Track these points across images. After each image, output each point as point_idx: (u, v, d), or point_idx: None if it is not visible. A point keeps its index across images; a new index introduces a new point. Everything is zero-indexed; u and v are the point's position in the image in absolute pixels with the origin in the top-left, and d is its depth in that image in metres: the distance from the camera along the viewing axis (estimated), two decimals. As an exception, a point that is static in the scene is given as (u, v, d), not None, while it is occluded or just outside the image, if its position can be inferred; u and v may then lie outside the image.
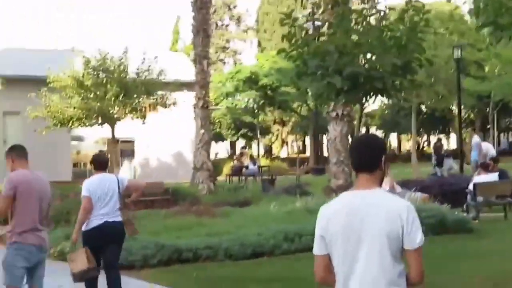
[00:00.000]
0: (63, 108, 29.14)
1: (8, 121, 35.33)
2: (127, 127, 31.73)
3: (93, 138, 38.25)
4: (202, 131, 27.04)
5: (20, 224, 7.63)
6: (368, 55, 17.74)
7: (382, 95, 18.38)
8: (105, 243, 9.33)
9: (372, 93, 17.79)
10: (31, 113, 29.97)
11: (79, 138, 38.73)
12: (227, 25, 73.32)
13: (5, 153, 8.02)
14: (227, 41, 72.27)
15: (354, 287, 3.88)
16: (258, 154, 52.40)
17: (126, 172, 38.82)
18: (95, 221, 9.25)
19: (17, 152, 7.96)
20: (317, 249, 4.05)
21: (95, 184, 9.35)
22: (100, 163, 9.68)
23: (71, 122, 30.05)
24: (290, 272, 12.05)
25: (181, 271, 12.49)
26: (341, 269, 3.93)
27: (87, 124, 30.54)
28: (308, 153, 63.23)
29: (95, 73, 29.13)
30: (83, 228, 9.29)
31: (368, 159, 4.01)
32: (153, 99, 30.51)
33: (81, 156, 41.72)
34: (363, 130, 58.84)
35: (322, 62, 17.04)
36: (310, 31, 19.02)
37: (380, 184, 4.03)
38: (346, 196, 4.04)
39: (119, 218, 9.45)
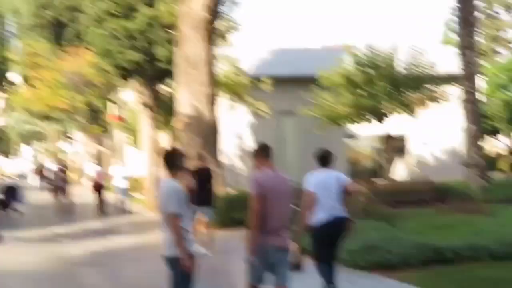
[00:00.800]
0: (335, 106, 29.46)
1: (282, 121, 36.36)
2: (399, 123, 31.37)
3: (366, 135, 38.30)
4: (471, 125, 26.03)
5: (261, 225, 7.68)
6: None
7: None
8: (332, 236, 9.56)
9: None
10: (303, 112, 30.62)
11: (352, 136, 38.92)
12: (496, 13, 69.96)
13: (252, 153, 8.14)
14: (498, 30, 69.03)
15: None
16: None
17: (400, 169, 38.48)
18: (323, 215, 9.43)
19: (263, 152, 8.03)
20: None
21: (317, 180, 9.51)
22: (324, 159, 9.77)
23: (342, 120, 30.29)
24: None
25: (441, 272, 12.02)
26: None
27: (358, 121, 30.62)
28: None
29: (364, 69, 29.12)
30: (312, 222, 9.46)
31: None
32: (423, 93, 29.92)
33: (356, 153, 41.96)
34: None
35: None
36: None
37: None
38: None
39: (344, 213, 9.56)
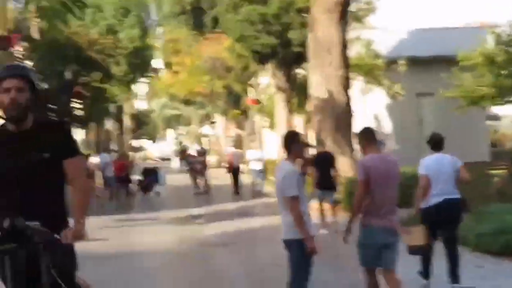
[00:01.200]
0: (475, 87, 28.66)
1: (422, 103, 35.62)
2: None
3: (510, 116, 37.14)
4: None
5: (369, 207, 7.73)
6: None
7: None
8: (444, 220, 9.53)
9: None
10: (443, 94, 29.96)
11: (495, 117, 37.83)
12: None
13: (357, 136, 8.21)
14: None
15: None
16: None
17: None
18: (434, 199, 9.41)
19: (367, 136, 8.04)
20: None
21: (431, 163, 9.58)
22: (436, 143, 9.77)
23: (484, 101, 29.46)
24: None
25: None
26: None
27: (501, 102, 29.70)
28: None
29: (506, 48, 28.14)
30: (424, 205, 9.48)
31: None
32: None
33: (499, 135, 40.76)
34: None
35: None
36: None
37: None
38: None
39: (457, 196, 9.54)
